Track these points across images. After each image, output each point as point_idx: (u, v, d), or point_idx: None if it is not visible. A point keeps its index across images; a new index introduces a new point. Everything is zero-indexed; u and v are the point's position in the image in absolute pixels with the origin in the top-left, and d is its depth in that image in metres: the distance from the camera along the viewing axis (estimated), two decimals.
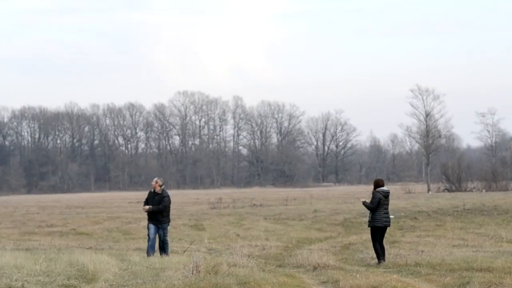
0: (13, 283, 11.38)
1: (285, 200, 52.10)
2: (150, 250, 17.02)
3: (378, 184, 16.18)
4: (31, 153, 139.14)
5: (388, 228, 16.57)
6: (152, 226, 17.12)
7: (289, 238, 24.32)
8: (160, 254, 16.90)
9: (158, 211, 16.98)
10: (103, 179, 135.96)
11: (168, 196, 17.10)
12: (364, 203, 16.17)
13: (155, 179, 17.22)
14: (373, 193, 16.00)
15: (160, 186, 17.06)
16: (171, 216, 17.54)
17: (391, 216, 16.89)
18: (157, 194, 17.07)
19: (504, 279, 12.14)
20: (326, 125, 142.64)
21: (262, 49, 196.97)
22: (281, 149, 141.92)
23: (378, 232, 16.12)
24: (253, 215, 35.90)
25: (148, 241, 17.25)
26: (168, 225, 17.29)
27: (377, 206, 15.93)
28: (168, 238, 17.39)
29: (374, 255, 16.74)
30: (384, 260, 15.96)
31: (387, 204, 16.14)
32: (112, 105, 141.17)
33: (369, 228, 16.42)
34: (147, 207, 17.07)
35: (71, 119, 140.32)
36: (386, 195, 16.06)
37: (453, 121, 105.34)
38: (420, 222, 30.23)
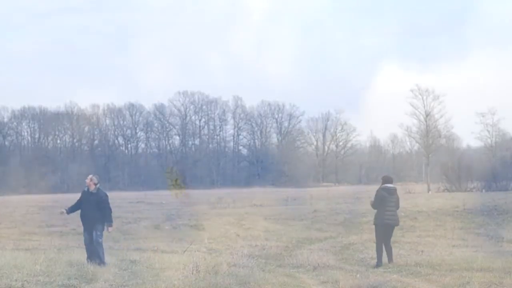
0: (13, 283, 11.39)
1: (285, 200, 52.02)
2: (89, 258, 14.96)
3: (385, 181, 15.84)
4: (31, 153, 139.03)
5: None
6: (87, 236, 15.20)
7: (289, 238, 24.28)
8: (90, 258, 14.79)
9: (105, 213, 15.20)
10: (103, 179, 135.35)
11: (106, 196, 15.42)
12: (370, 202, 16.02)
13: (90, 176, 15.37)
14: (377, 191, 15.71)
15: (95, 184, 15.24)
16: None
17: None
18: (92, 194, 15.16)
19: (504, 279, 12.14)
20: (326, 125, 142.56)
21: (262, 49, 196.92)
22: (281, 149, 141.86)
23: (380, 231, 15.66)
24: (253, 215, 35.85)
25: (87, 251, 15.21)
26: (109, 226, 15.43)
27: (380, 203, 15.55)
28: (101, 240, 15.20)
29: (375, 255, 16.66)
30: (391, 261, 15.51)
31: (393, 202, 15.61)
32: (112, 105, 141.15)
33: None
34: (64, 211, 15.64)
35: (71, 119, 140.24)
36: (391, 192, 15.59)
37: (453, 121, 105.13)
38: (420, 222, 30.19)
